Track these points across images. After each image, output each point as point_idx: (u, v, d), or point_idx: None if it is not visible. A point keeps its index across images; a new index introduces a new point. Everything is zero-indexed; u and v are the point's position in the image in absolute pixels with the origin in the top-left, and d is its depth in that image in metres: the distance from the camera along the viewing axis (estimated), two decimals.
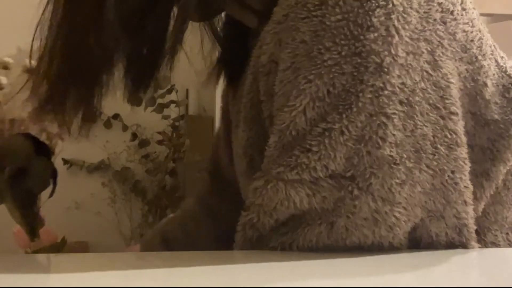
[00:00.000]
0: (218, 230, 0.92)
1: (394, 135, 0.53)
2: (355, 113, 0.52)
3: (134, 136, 2.18)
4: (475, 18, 0.60)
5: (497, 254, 0.60)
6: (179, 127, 1.89)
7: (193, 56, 0.73)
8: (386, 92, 0.52)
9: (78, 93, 0.61)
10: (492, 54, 0.61)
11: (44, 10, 0.61)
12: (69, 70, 0.61)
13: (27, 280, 0.44)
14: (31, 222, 0.88)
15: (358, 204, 0.53)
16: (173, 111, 2.32)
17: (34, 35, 0.62)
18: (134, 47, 0.59)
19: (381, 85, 0.52)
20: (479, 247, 0.59)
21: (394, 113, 0.53)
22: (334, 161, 0.53)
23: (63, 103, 0.61)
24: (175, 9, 0.59)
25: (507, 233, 0.63)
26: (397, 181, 0.53)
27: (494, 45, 0.63)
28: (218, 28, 0.76)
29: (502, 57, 0.63)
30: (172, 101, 2.31)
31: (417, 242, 0.57)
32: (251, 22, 0.67)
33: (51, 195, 0.86)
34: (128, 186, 1.90)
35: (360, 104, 0.52)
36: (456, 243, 0.57)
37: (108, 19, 0.56)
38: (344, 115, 0.52)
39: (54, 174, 0.82)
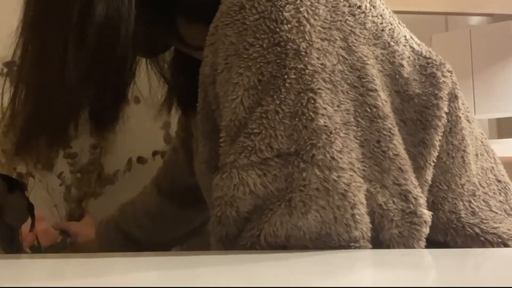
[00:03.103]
0: (177, 225, 1.05)
1: (325, 108, 0.57)
2: (285, 92, 0.57)
3: None
4: (385, 14, 0.66)
5: (497, 254, 0.60)
6: None
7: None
8: (307, 71, 0.58)
9: (47, 140, 0.67)
10: (406, 42, 0.67)
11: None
12: (37, 121, 0.67)
13: (27, 280, 0.44)
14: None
15: (306, 175, 0.55)
16: None
17: (4, 85, 0.68)
18: (95, 93, 0.66)
19: (303, 66, 0.58)
20: (431, 215, 0.60)
21: (319, 89, 0.57)
22: (276, 140, 0.57)
23: (34, 149, 0.67)
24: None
25: (469, 201, 0.67)
26: (337, 148, 0.56)
27: (411, 36, 0.69)
28: (165, 63, 0.84)
29: (419, 44, 0.69)
30: None
31: (370, 215, 0.58)
32: (200, 56, 0.69)
33: (31, 228, 0.89)
34: None
35: (287, 85, 0.57)
36: (406, 211, 0.59)
37: (69, 75, 0.62)
38: (275, 96, 0.57)
39: (30, 207, 0.86)
